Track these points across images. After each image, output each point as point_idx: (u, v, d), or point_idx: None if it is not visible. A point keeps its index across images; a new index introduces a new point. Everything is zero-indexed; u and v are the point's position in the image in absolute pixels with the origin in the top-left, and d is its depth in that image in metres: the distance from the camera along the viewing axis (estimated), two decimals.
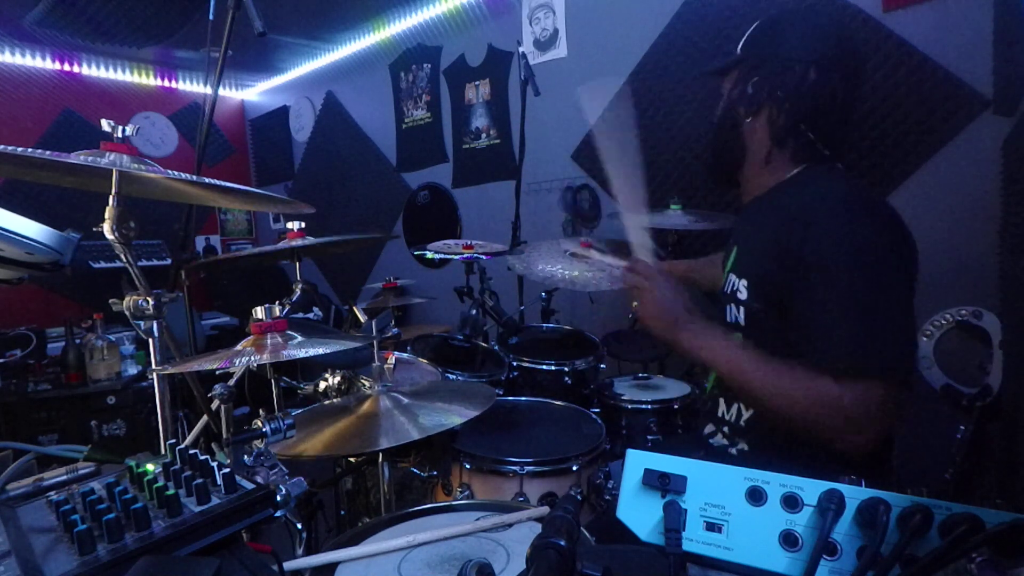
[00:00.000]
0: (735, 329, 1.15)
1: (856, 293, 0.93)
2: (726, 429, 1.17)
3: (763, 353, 1.00)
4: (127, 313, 1.04)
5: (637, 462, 0.62)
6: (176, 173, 0.99)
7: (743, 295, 1.11)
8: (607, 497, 1.34)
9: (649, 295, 1.11)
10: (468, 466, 1.30)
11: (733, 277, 1.15)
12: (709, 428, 1.23)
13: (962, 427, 1.61)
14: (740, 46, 1.17)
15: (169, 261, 3.88)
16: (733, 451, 1.14)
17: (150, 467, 0.69)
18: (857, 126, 1.96)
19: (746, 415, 1.13)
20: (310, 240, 1.59)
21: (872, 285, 0.93)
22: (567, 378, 1.80)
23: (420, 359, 1.73)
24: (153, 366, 1.08)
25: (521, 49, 2.43)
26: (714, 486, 0.59)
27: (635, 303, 1.14)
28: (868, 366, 0.91)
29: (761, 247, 1.09)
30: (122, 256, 1.00)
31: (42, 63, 4.03)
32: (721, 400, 1.20)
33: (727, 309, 1.17)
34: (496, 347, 1.93)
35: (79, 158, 0.88)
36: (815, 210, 1.00)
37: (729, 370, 1.02)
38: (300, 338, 1.04)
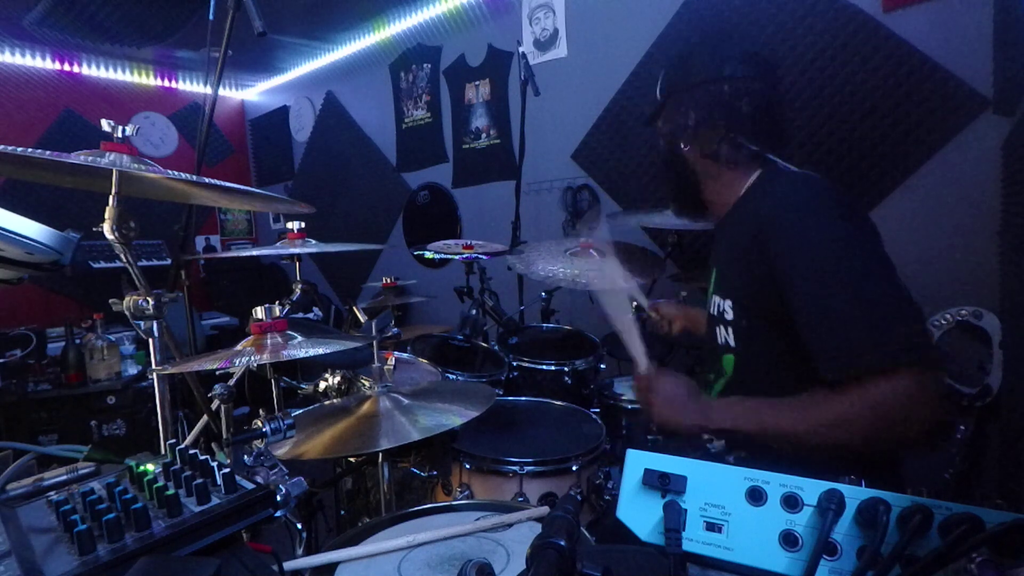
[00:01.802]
0: (726, 351, 1.16)
1: (843, 291, 0.91)
2: (724, 440, 1.18)
3: (784, 400, 0.95)
4: (127, 313, 1.04)
5: (637, 462, 0.62)
6: (176, 173, 0.99)
7: (729, 315, 1.12)
8: (607, 497, 1.34)
9: (658, 402, 1.07)
10: (468, 466, 1.30)
11: (717, 299, 1.17)
12: (707, 435, 1.23)
13: (962, 427, 1.61)
14: (658, 90, 1.27)
15: (169, 261, 3.88)
16: (731, 458, 1.14)
17: (150, 467, 0.69)
18: (857, 126, 1.96)
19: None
20: (310, 247, 1.56)
21: (856, 277, 0.92)
22: (567, 378, 1.80)
23: (420, 359, 1.73)
24: (153, 366, 1.08)
25: (521, 49, 2.43)
26: (714, 486, 0.59)
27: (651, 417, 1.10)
28: (886, 359, 0.86)
29: (735, 264, 1.11)
30: (122, 256, 1.01)
31: (42, 63, 4.03)
32: None
33: (716, 331, 1.18)
34: (496, 347, 1.93)
35: (79, 158, 0.88)
36: (772, 218, 1.02)
37: (761, 429, 0.95)
38: (300, 338, 1.04)
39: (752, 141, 1.14)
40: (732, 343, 1.13)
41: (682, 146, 1.22)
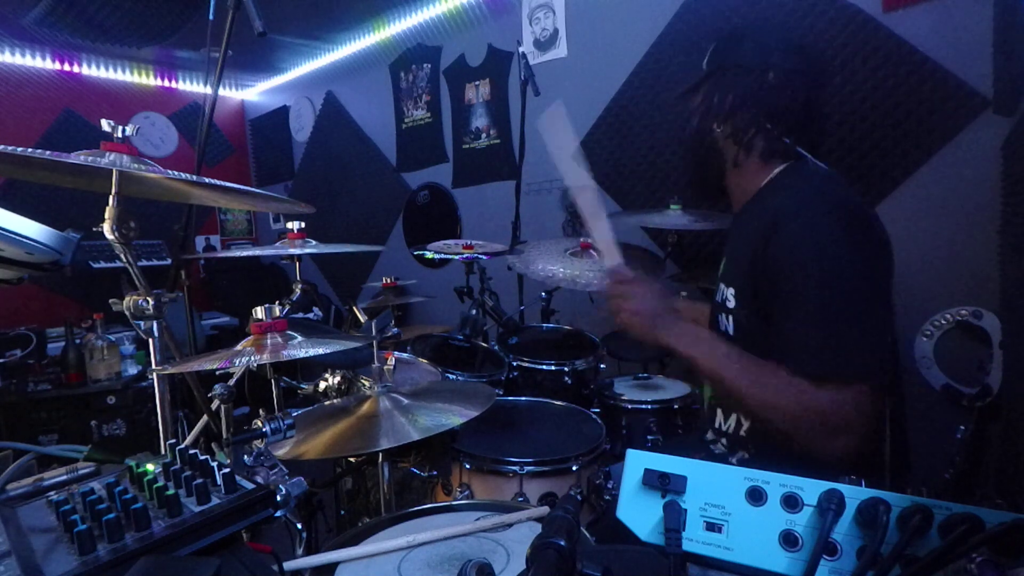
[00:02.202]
0: (725, 338, 1.15)
1: (822, 297, 0.93)
2: (724, 441, 1.18)
3: (748, 355, 0.99)
4: (127, 313, 1.04)
5: (637, 462, 0.62)
6: (176, 173, 0.99)
7: (731, 303, 1.13)
8: (607, 497, 1.34)
9: (631, 297, 1.10)
10: (468, 466, 1.30)
11: (722, 286, 1.17)
12: (711, 435, 1.23)
13: (962, 427, 1.61)
14: (705, 62, 1.23)
15: (169, 261, 3.88)
16: (733, 460, 1.14)
17: (150, 467, 0.69)
18: (857, 126, 1.96)
19: (745, 425, 1.13)
20: (310, 248, 1.56)
21: (838, 288, 0.93)
22: (567, 378, 1.80)
23: (420, 359, 1.73)
24: (153, 366, 1.08)
25: (521, 49, 2.43)
26: (714, 486, 0.59)
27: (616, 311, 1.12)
28: (841, 372, 0.91)
29: (742, 254, 1.10)
30: (122, 256, 1.01)
31: (42, 63, 4.03)
32: (719, 410, 1.20)
33: (719, 319, 1.18)
34: (496, 347, 1.92)
35: (79, 158, 0.88)
36: (781, 213, 1.02)
37: (711, 369, 1.01)
38: (300, 338, 1.04)
39: (785, 135, 1.13)
40: (731, 331, 1.13)
41: (715, 127, 1.20)
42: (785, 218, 1.00)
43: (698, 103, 1.24)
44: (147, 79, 4.54)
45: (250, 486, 0.65)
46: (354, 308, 1.69)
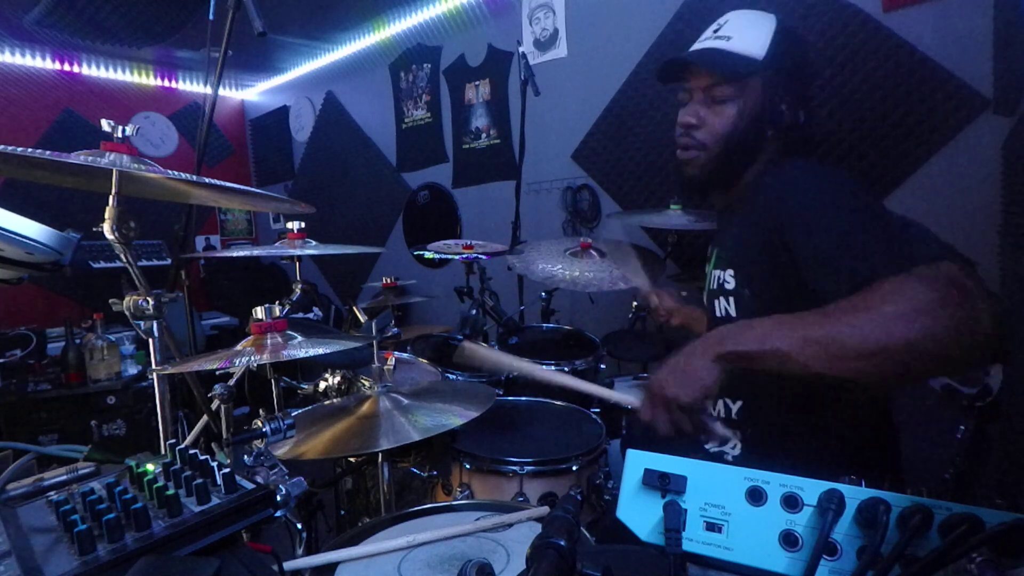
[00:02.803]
0: (726, 322, 1.13)
1: (844, 216, 0.90)
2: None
3: (810, 314, 0.81)
4: (127, 313, 1.04)
5: (637, 462, 0.62)
6: (176, 173, 0.99)
7: (730, 284, 1.11)
8: (607, 497, 1.34)
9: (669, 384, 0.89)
10: (468, 466, 1.30)
11: (717, 272, 1.16)
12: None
13: (962, 427, 1.61)
14: (764, 49, 1.08)
15: (169, 261, 3.88)
16: (728, 457, 1.14)
17: (150, 467, 0.69)
18: (857, 126, 1.96)
19: (735, 407, 1.14)
20: (309, 248, 1.55)
21: (852, 205, 0.93)
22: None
23: (420, 359, 1.73)
24: (153, 366, 1.08)
25: (521, 49, 2.43)
26: (714, 486, 0.59)
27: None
28: (903, 260, 0.79)
29: (742, 237, 1.10)
30: (122, 256, 1.01)
31: (42, 63, 4.03)
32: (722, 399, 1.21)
33: (715, 304, 1.16)
34: (496, 347, 1.92)
35: (79, 158, 0.88)
36: (790, 189, 1.01)
37: (809, 348, 0.77)
38: (300, 338, 1.04)
39: (804, 137, 1.15)
40: (733, 313, 1.11)
41: (766, 125, 1.10)
42: (794, 191, 1.01)
43: (762, 90, 1.09)
44: (147, 79, 4.54)
45: (250, 486, 0.65)
46: (354, 308, 1.69)
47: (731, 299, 1.12)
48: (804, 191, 0.99)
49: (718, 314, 1.16)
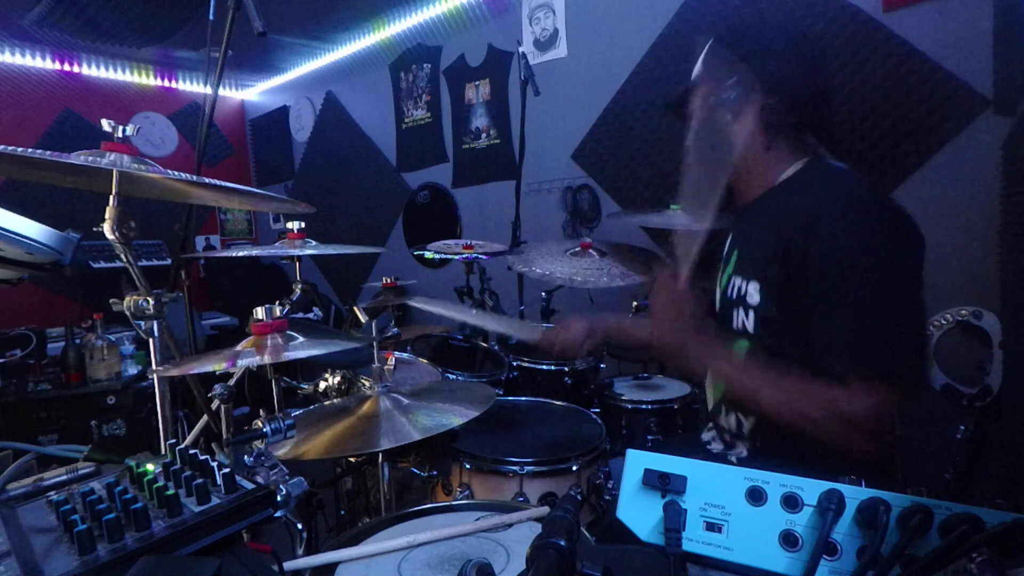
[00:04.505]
0: (742, 336, 1.10)
1: (865, 294, 0.92)
2: (727, 436, 1.17)
3: (768, 368, 1.01)
4: (127, 313, 1.04)
5: (637, 462, 0.62)
6: (176, 173, 0.99)
7: (754, 299, 1.07)
8: (607, 497, 1.34)
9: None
10: (468, 466, 1.30)
11: (738, 280, 1.12)
12: (707, 435, 1.23)
13: (962, 427, 1.61)
14: (699, 66, 1.17)
15: (169, 261, 3.88)
16: (732, 458, 1.14)
17: (150, 467, 0.69)
18: (857, 126, 1.96)
19: (747, 424, 1.12)
20: (309, 248, 1.54)
21: (881, 285, 0.92)
22: (567, 378, 1.80)
23: (420, 359, 1.73)
24: (153, 366, 1.08)
25: (521, 49, 2.43)
26: (714, 486, 0.59)
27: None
28: (881, 370, 0.90)
29: (768, 248, 1.05)
30: (122, 256, 1.01)
31: (42, 63, 4.03)
32: (723, 407, 1.19)
33: (733, 314, 1.12)
34: (496, 347, 1.93)
35: (79, 158, 0.88)
36: (822, 208, 0.99)
37: (738, 383, 1.04)
38: (300, 338, 1.04)
39: (806, 123, 1.09)
40: (751, 328, 1.08)
41: (730, 120, 1.11)
42: (828, 215, 0.98)
43: (702, 101, 1.16)
44: (147, 79, 4.54)
45: (250, 486, 0.65)
46: (354, 308, 1.69)
47: (751, 313, 1.07)
48: (842, 231, 0.96)
49: (735, 325, 1.11)
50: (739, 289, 1.11)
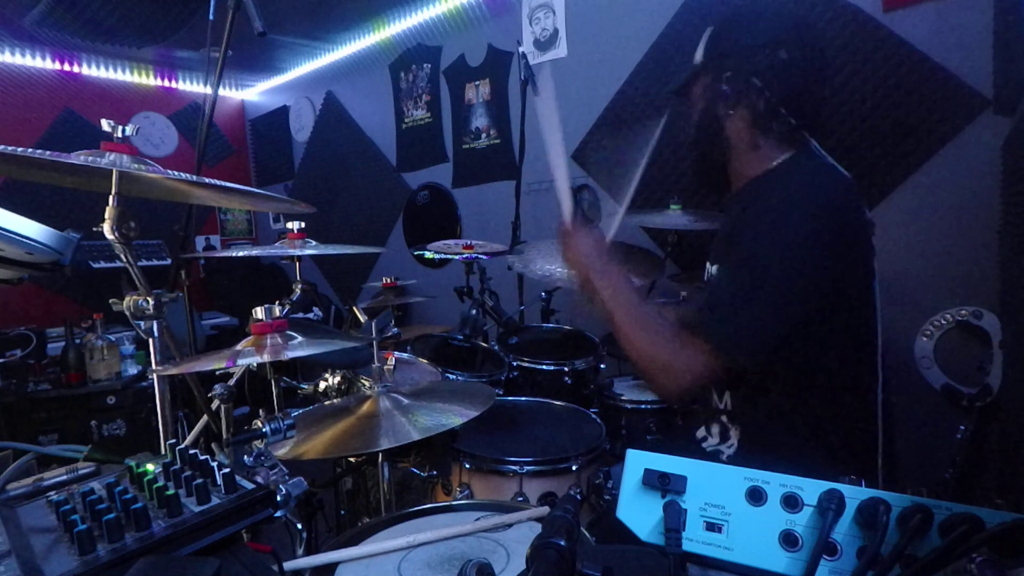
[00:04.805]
0: None
1: (744, 284, 1.02)
2: (717, 428, 1.19)
3: (648, 307, 1.14)
4: (127, 313, 1.04)
5: (637, 462, 0.62)
6: (176, 173, 0.99)
7: (708, 277, 1.20)
8: (607, 497, 1.34)
9: (570, 253, 1.21)
10: (468, 466, 1.30)
11: (707, 264, 1.22)
12: (701, 432, 1.25)
13: (962, 427, 1.61)
14: (699, 54, 1.20)
15: (169, 261, 3.88)
16: (723, 456, 1.15)
17: (150, 467, 0.69)
18: (857, 126, 1.96)
19: (728, 398, 1.18)
20: (309, 248, 1.54)
21: (762, 283, 0.99)
22: (567, 378, 1.80)
23: (420, 359, 1.73)
24: (153, 366, 1.08)
25: (521, 49, 2.42)
26: (714, 486, 0.59)
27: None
28: (717, 343, 1.01)
29: (727, 234, 1.15)
30: (122, 256, 1.00)
31: (42, 63, 4.03)
32: (713, 390, 1.24)
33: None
34: (496, 347, 1.92)
35: (79, 158, 0.88)
36: (766, 201, 1.06)
37: (610, 306, 1.11)
38: (300, 338, 1.04)
39: (796, 116, 1.10)
40: None
41: (726, 112, 1.16)
42: (762, 209, 1.06)
43: (701, 92, 1.20)
44: (147, 79, 4.54)
45: (250, 486, 0.65)
46: (354, 308, 1.69)
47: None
48: (762, 228, 1.04)
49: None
50: (708, 272, 1.22)
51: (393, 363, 1.31)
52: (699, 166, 1.30)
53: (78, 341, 2.75)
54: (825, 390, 1.07)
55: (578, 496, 0.58)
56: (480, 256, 2.17)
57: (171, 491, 0.61)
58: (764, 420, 1.10)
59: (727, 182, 1.24)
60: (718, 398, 1.22)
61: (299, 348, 1.00)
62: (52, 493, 0.69)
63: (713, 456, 1.16)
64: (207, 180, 1.05)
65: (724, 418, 1.20)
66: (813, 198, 1.03)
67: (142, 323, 1.06)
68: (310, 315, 1.71)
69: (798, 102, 1.10)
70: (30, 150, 0.84)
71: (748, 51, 1.11)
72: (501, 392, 1.73)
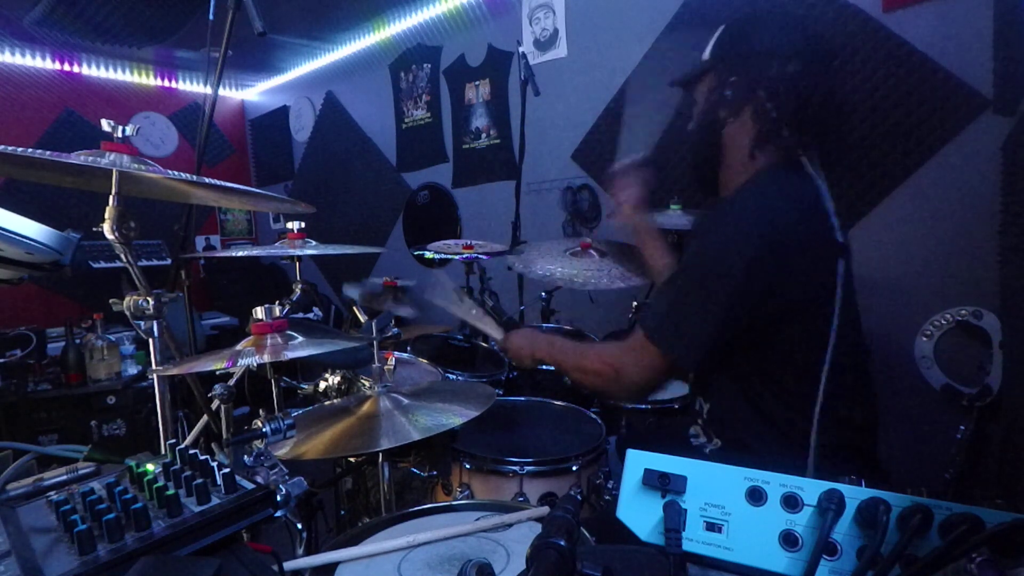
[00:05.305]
0: None
1: (689, 289, 1.06)
2: (700, 422, 1.22)
3: (566, 340, 1.33)
4: (127, 313, 1.04)
5: (637, 462, 0.62)
6: (176, 173, 0.99)
7: None
8: (607, 497, 1.34)
9: (513, 352, 1.39)
10: (468, 466, 1.30)
11: None
12: (693, 429, 1.25)
13: (962, 427, 1.61)
14: (708, 51, 1.16)
15: (169, 261, 3.88)
16: (707, 450, 1.16)
17: (150, 467, 0.69)
18: (857, 126, 1.96)
19: (705, 408, 1.19)
20: (310, 248, 1.54)
21: (701, 291, 1.03)
22: (567, 378, 1.80)
23: (420, 359, 1.73)
24: (153, 366, 1.08)
25: (521, 49, 2.43)
26: (714, 486, 0.59)
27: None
28: (661, 342, 1.06)
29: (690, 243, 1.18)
30: (122, 256, 1.00)
31: (42, 63, 4.03)
32: (695, 395, 1.26)
33: None
34: (496, 347, 1.92)
35: (79, 158, 0.88)
36: (718, 211, 1.10)
37: (558, 358, 1.28)
38: (300, 338, 1.04)
39: (797, 134, 1.06)
40: None
41: (726, 118, 1.12)
42: (713, 217, 1.10)
43: (705, 93, 1.16)
44: (147, 79, 4.54)
45: (250, 486, 0.65)
46: (354, 308, 1.69)
47: None
48: (706, 234, 1.10)
49: None
50: None
51: (393, 363, 1.31)
52: (693, 165, 1.27)
53: (78, 341, 2.75)
54: (780, 399, 1.05)
55: (578, 496, 0.58)
56: (480, 256, 2.17)
57: (171, 491, 0.61)
58: (737, 425, 1.10)
59: (717, 187, 1.21)
60: (699, 404, 1.23)
61: (299, 348, 1.00)
62: (52, 493, 0.69)
63: (699, 451, 1.18)
64: (207, 180, 1.05)
65: (701, 422, 1.21)
66: (760, 220, 1.00)
67: (142, 323, 1.06)
68: (310, 315, 1.71)
69: (801, 119, 1.05)
70: (30, 150, 0.84)
71: (757, 58, 1.07)
72: (501, 392, 1.73)
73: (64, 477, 0.79)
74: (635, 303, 2.04)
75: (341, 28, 3.75)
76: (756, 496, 0.57)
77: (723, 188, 1.20)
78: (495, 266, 2.27)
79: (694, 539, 0.58)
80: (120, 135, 0.99)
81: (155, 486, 0.62)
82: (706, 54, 1.17)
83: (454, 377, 1.69)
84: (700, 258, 1.07)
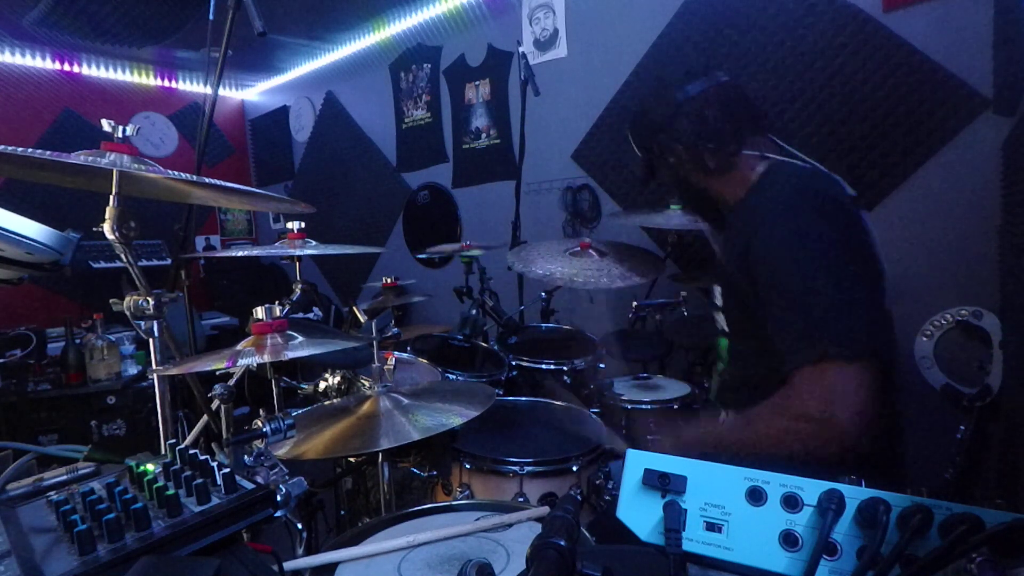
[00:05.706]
0: (723, 336, 1.24)
1: (794, 284, 0.97)
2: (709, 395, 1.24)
3: (734, 418, 1.13)
4: (127, 313, 1.04)
5: (637, 462, 0.62)
6: (176, 173, 0.99)
7: (719, 301, 1.21)
8: (607, 497, 1.34)
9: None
10: (468, 466, 1.30)
11: (714, 285, 1.25)
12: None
13: (962, 427, 1.61)
14: (636, 148, 1.32)
15: (169, 261, 3.88)
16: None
17: (150, 467, 0.69)
18: (857, 126, 1.96)
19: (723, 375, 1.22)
20: (310, 248, 1.54)
21: (810, 273, 0.96)
22: (567, 378, 1.80)
23: (420, 359, 1.73)
24: (153, 366, 1.08)
25: (521, 49, 2.42)
26: (714, 486, 0.59)
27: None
28: (817, 346, 0.92)
29: (727, 252, 1.16)
30: (122, 256, 1.01)
31: (42, 63, 4.03)
32: (718, 405, 1.27)
33: (715, 316, 1.25)
34: (496, 347, 1.92)
35: (79, 158, 0.88)
36: (760, 212, 1.08)
37: (720, 446, 1.06)
38: (300, 338, 1.04)
39: (736, 139, 1.16)
40: (726, 327, 1.22)
41: (681, 166, 1.24)
42: (764, 216, 1.06)
43: (662, 174, 1.30)
44: (147, 79, 4.54)
45: (250, 486, 0.65)
46: (354, 308, 1.69)
47: (720, 315, 1.21)
48: (774, 226, 1.03)
49: (719, 327, 1.24)
50: (714, 293, 1.25)
51: (393, 363, 1.31)
52: (692, 208, 1.40)
53: (78, 341, 2.75)
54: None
55: (578, 496, 0.58)
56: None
57: (171, 491, 0.61)
58: (755, 395, 1.08)
59: (718, 212, 1.29)
60: (723, 414, 1.25)
61: (299, 348, 1.00)
62: (52, 493, 0.69)
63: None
64: (207, 180, 1.05)
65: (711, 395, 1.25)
66: (806, 194, 1.06)
67: (142, 323, 1.06)
68: (310, 315, 1.71)
69: (730, 129, 1.15)
70: (30, 150, 0.84)
71: (663, 133, 1.20)
72: (501, 392, 1.73)
73: (64, 477, 0.79)
74: (635, 303, 2.04)
75: (341, 28, 3.75)
76: (756, 496, 0.57)
77: (730, 199, 1.24)
78: (495, 266, 2.27)
79: (694, 539, 0.58)
80: (120, 135, 0.99)
81: (155, 486, 0.62)
82: (636, 150, 1.32)
83: (454, 377, 1.69)
84: (782, 255, 1.00)
